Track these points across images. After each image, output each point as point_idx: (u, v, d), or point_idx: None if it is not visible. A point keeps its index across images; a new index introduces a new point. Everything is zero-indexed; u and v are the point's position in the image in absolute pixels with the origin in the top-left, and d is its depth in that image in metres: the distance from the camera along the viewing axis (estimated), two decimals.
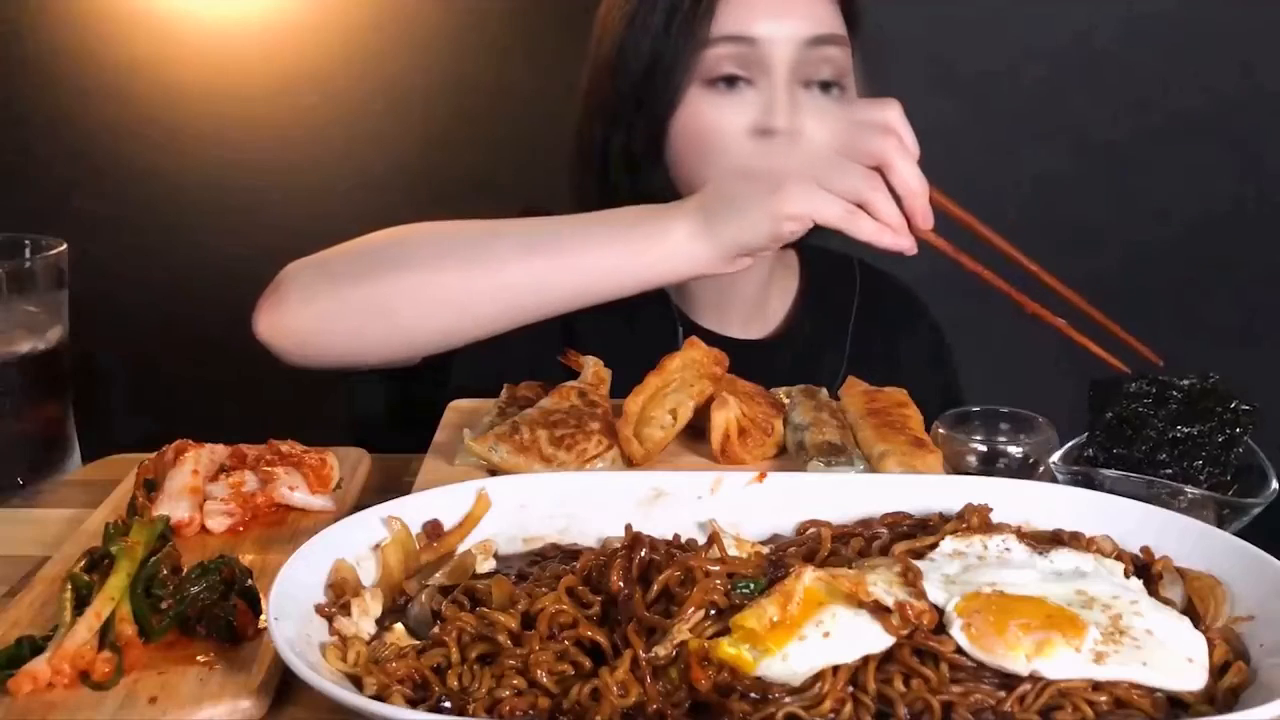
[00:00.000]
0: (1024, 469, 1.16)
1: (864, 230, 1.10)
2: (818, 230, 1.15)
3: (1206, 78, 2.33)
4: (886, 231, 1.10)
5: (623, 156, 1.43)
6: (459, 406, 1.30)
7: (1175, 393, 1.10)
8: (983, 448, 1.17)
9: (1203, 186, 2.39)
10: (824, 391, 1.29)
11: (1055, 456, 1.12)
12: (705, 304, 1.54)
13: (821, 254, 1.63)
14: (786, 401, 1.26)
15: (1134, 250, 2.41)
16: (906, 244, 1.11)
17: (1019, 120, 2.37)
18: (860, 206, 1.10)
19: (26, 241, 1.24)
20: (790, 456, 1.19)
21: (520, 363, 1.32)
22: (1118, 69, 2.34)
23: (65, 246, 1.25)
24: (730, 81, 1.35)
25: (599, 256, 1.17)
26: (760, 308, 1.58)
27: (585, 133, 1.46)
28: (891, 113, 1.11)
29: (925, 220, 1.12)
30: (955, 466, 1.17)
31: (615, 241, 1.17)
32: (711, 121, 1.36)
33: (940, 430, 1.19)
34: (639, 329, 1.44)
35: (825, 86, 1.38)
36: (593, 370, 1.28)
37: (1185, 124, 2.35)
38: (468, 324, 1.23)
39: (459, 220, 1.27)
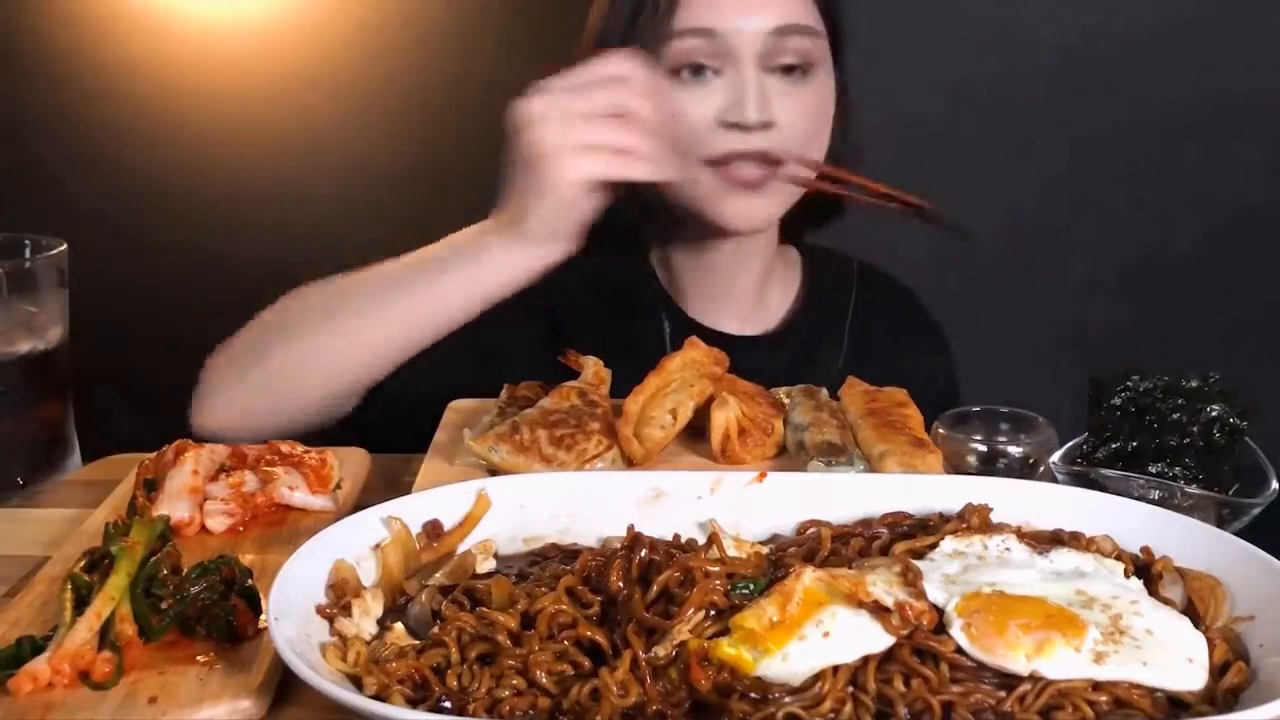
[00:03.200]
0: (1024, 469, 1.16)
1: (639, 171, 1.16)
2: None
3: (1213, 73, 2.33)
4: (658, 165, 1.17)
5: None
6: (459, 406, 1.30)
7: (1176, 392, 1.10)
8: (983, 448, 1.17)
9: (1208, 186, 2.38)
10: (824, 391, 1.29)
11: (1055, 456, 1.12)
12: (700, 299, 1.56)
13: (822, 253, 1.65)
14: (786, 401, 1.26)
15: (1136, 250, 2.41)
16: (672, 172, 1.20)
17: (1033, 114, 2.37)
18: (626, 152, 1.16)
19: (26, 241, 1.24)
20: (790, 456, 1.19)
21: (521, 363, 1.33)
22: (1124, 65, 2.34)
23: (65, 246, 1.25)
24: (698, 70, 1.38)
25: (441, 291, 1.23)
26: (758, 304, 1.59)
27: None
28: (617, 64, 1.17)
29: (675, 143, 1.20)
30: (955, 466, 1.17)
31: (449, 272, 1.23)
32: (679, 111, 1.38)
33: (940, 430, 1.19)
34: (632, 325, 1.47)
35: (790, 70, 1.39)
36: (593, 370, 1.28)
37: (1193, 119, 2.35)
38: (352, 377, 1.29)
39: (333, 277, 1.30)
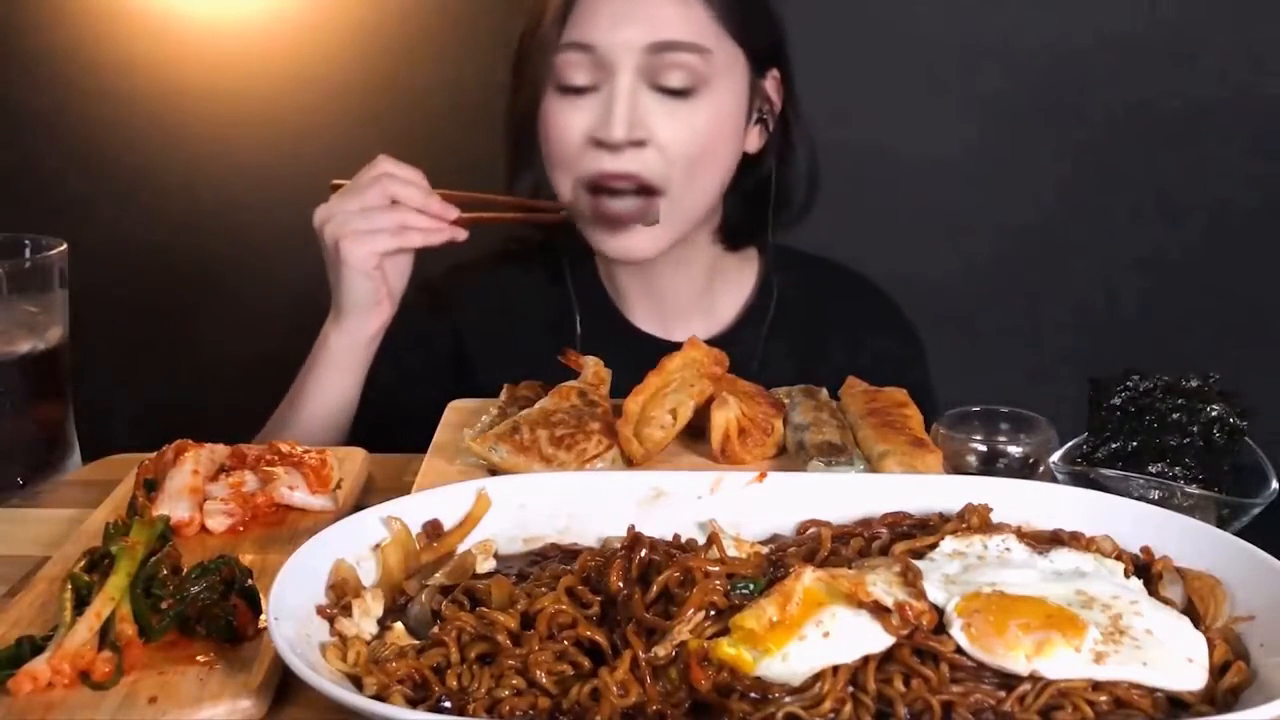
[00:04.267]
0: (1024, 469, 1.16)
1: (414, 240, 1.38)
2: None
3: (1215, 76, 2.33)
4: (431, 234, 1.37)
5: (507, 154, 1.53)
6: (459, 406, 1.30)
7: (1176, 392, 1.10)
8: (983, 448, 1.17)
9: (1207, 185, 2.38)
10: (824, 391, 1.29)
11: (1055, 456, 1.12)
12: (643, 307, 1.59)
13: (786, 254, 1.64)
14: (786, 401, 1.26)
15: (1136, 251, 2.41)
16: (451, 234, 1.39)
17: (1034, 117, 2.37)
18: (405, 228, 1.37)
19: (26, 241, 1.24)
20: (790, 456, 1.19)
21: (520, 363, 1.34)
22: (1127, 68, 2.33)
23: (65, 246, 1.25)
24: (582, 90, 1.40)
25: (319, 390, 1.43)
26: (704, 307, 1.60)
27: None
28: (380, 164, 1.38)
29: (446, 212, 1.38)
30: (955, 466, 1.17)
31: (316, 366, 1.43)
32: (555, 126, 1.42)
33: (940, 430, 1.19)
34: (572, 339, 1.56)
35: (680, 93, 1.39)
36: (593, 370, 1.28)
37: (1194, 119, 2.35)
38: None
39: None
